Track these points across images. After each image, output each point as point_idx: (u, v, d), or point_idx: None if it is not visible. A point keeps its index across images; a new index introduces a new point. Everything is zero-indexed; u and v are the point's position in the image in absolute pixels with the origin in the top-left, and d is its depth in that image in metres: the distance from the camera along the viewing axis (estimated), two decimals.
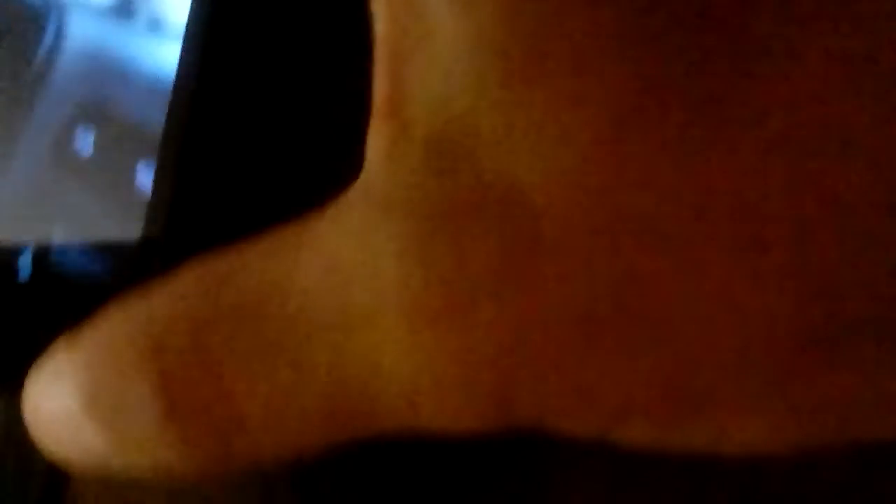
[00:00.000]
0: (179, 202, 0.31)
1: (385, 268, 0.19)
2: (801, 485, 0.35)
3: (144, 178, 0.36)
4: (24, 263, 0.32)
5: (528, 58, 0.19)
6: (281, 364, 0.19)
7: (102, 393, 0.20)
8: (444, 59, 0.19)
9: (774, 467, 0.34)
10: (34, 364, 0.22)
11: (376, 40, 0.20)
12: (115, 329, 0.20)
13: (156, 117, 0.40)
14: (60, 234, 0.35)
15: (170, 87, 0.39)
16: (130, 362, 0.20)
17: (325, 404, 0.19)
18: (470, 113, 0.19)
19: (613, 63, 0.18)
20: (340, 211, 0.19)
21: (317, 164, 0.35)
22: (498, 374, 0.18)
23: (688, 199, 0.18)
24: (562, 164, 0.18)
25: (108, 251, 0.32)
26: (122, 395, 0.20)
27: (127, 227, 0.33)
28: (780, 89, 0.18)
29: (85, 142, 0.41)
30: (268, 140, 0.35)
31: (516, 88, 0.19)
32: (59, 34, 0.47)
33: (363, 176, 0.20)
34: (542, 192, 0.18)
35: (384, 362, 0.19)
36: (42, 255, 0.32)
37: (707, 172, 0.18)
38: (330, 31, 0.36)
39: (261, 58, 0.36)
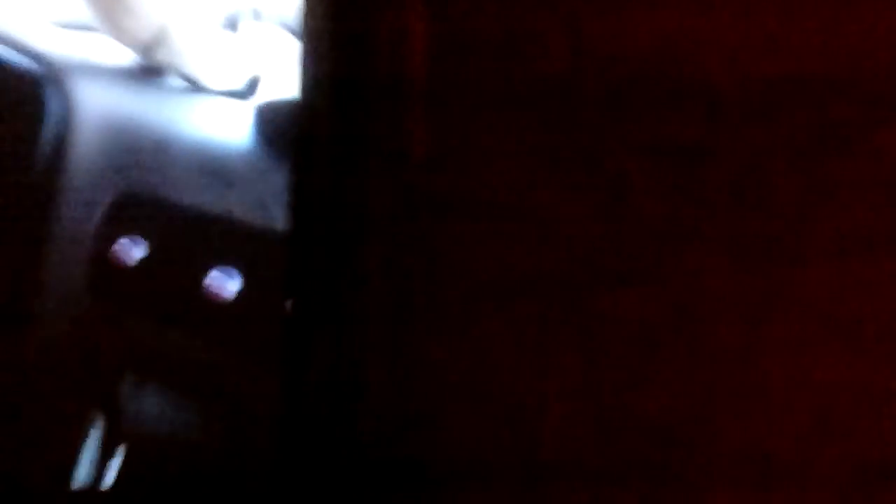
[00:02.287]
0: None
1: None
2: None
3: (217, 282, 0.30)
4: None
5: None
6: None
7: None
8: None
9: None
10: None
11: None
12: None
13: (210, 197, 0.33)
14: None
15: (214, 149, 0.33)
16: None
17: None
18: None
19: None
20: None
21: None
22: None
23: None
24: None
25: None
26: None
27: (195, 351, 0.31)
28: None
29: (131, 249, 0.34)
30: None
31: None
32: (65, 105, 0.38)
33: None
34: None
35: None
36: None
37: None
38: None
39: None
